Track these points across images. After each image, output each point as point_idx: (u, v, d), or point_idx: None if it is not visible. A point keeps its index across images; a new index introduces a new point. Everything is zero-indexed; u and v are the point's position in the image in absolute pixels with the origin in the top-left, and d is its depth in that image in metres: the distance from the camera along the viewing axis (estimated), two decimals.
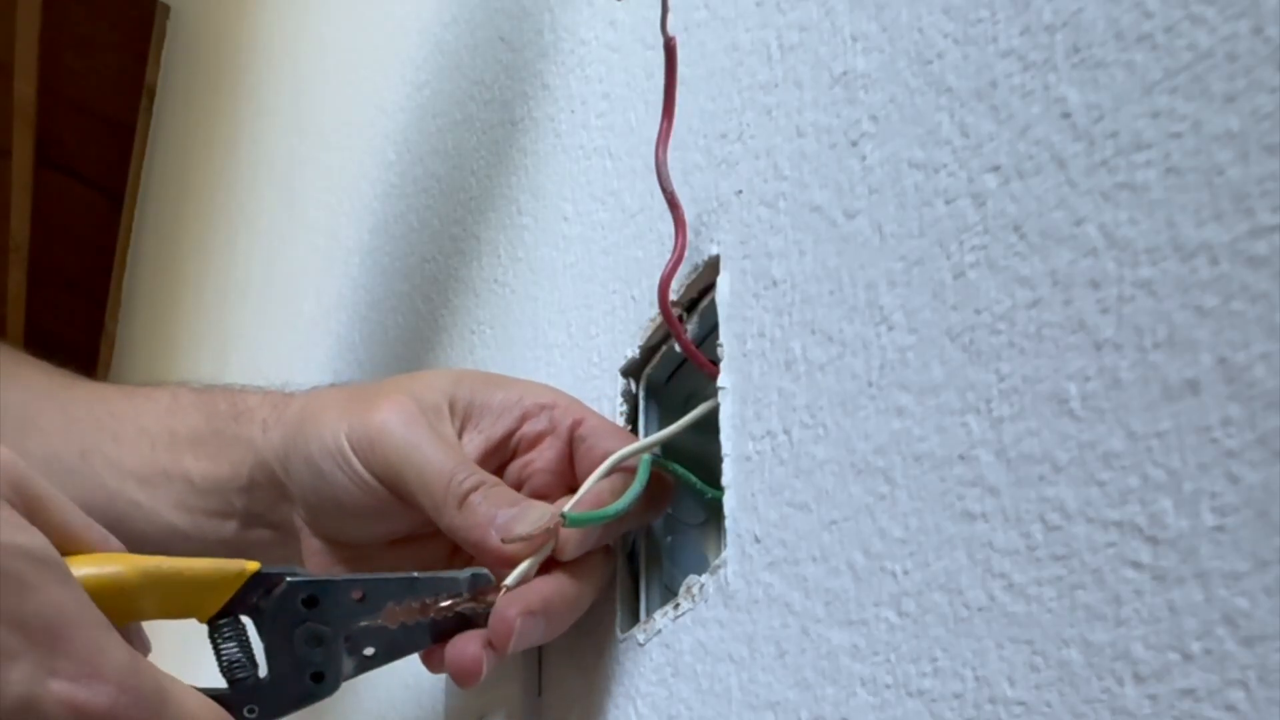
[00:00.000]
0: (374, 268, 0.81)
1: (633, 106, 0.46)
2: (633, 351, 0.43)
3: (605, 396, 0.44)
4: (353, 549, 0.43)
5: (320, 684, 0.37)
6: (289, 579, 0.36)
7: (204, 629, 0.37)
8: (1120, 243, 0.24)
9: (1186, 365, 0.22)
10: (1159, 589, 0.22)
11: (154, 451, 0.45)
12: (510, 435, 0.42)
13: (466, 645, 0.38)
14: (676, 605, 0.37)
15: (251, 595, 0.36)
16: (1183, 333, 0.22)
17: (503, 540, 0.38)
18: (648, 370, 0.43)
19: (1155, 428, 0.22)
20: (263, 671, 0.36)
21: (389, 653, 0.38)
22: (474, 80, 0.66)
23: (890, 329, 0.30)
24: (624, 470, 0.40)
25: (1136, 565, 0.22)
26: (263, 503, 0.44)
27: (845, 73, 0.33)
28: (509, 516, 0.38)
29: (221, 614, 0.36)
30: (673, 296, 0.39)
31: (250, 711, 0.36)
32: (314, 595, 0.36)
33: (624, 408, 0.43)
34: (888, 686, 0.28)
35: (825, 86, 0.34)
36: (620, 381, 0.43)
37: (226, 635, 0.36)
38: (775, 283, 0.35)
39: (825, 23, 0.35)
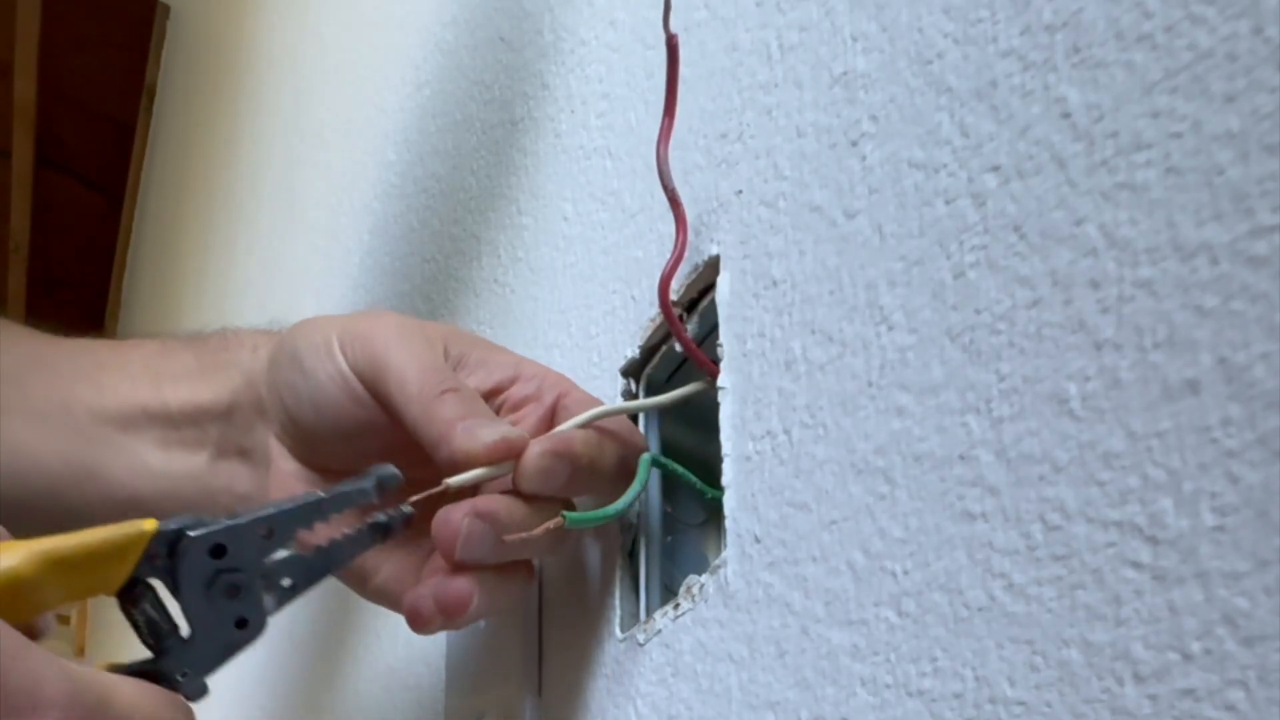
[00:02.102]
0: (374, 268, 0.81)
1: (633, 106, 0.46)
2: (633, 351, 0.43)
3: (605, 396, 0.44)
4: (323, 474, 0.43)
5: (245, 629, 0.36)
6: (190, 533, 0.35)
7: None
8: (1120, 243, 0.24)
9: (1186, 365, 0.22)
10: (1159, 589, 0.22)
11: (135, 391, 0.45)
12: (498, 391, 0.42)
13: (453, 584, 0.37)
14: (676, 605, 0.37)
15: (156, 557, 0.34)
16: (1183, 333, 0.22)
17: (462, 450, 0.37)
18: (648, 370, 0.43)
19: (1155, 428, 0.22)
20: (185, 631, 0.35)
21: (308, 579, 0.37)
22: (474, 80, 0.66)
23: (890, 329, 0.30)
24: (603, 431, 0.39)
25: (1136, 565, 0.22)
26: (239, 429, 0.44)
27: (845, 73, 0.33)
28: (477, 421, 0.38)
29: (130, 583, 0.34)
30: (673, 296, 0.39)
31: (183, 675, 0.35)
32: (219, 544, 0.35)
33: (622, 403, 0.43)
34: (888, 686, 0.28)
35: (825, 86, 0.34)
36: (620, 381, 0.43)
37: (139, 603, 0.34)
38: (775, 283, 0.35)
39: (825, 23, 0.35)
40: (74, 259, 2.49)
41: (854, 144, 0.33)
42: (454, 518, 0.37)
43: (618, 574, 0.41)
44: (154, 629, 0.34)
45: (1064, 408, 0.25)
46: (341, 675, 0.74)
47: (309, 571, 0.37)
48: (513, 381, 0.42)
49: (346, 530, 0.37)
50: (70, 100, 2.22)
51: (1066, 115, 0.26)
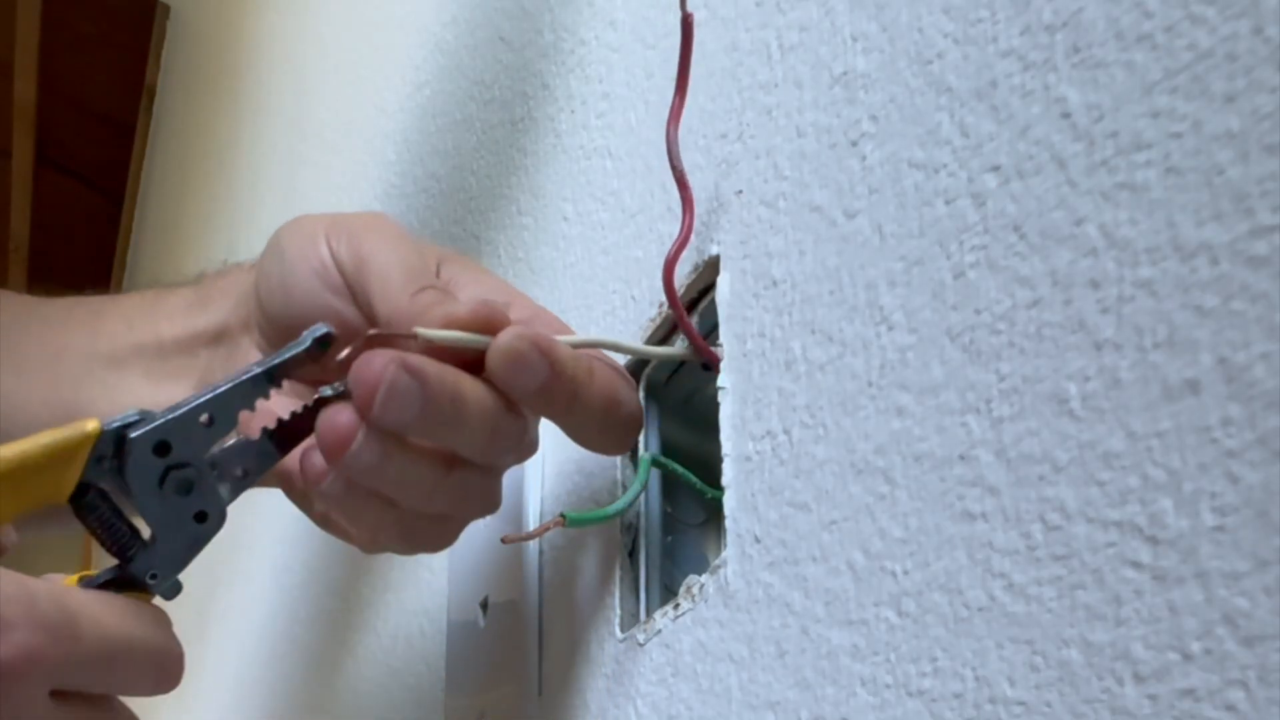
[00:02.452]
0: None
1: (633, 106, 0.46)
2: None
3: None
4: (296, 384, 0.41)
5: (206, 522, 0.34)
6: (131, 434, 0.33)
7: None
8: (1120, 243, 0.24)
9: (1186, 365, 0.22)
10: (1159, 589, 0.22)
11: (131, 330, 0.44)
12: None
13: (339, 413, 0.34)
14: (676, 605, 0.37)
15: (104, 459, 0.33)
16: (1183, 333, 0.22)
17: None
18: (648, 370, 0.43)
19: (1155, 428, 0.22)
20: (146, 533, 0.34)
21: (260, 464, 0.35)
22: (474, 80, 0.66)
23: (890, 329, 0.30)
24: (596, 364, 0.37)
25: (1136, 565, 0.22)
26: (227, 348, 0.43)
27: (845, 73, 0.33)
28: (455, 304, 0.35)
29: (80, 490, 0.33)
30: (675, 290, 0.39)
31: (153, 577, 0.34)
32: (163, 440, 0.34)
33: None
34: (888, 686, 0.28)
35: (825, 86, 0.34)
36: None
37: (95, 511, 0.33)
38: (775, 283, 0.35)
39: (825, 23, 0.35)
40: (74, 259, 2.49)
41: (854, 144, 0.33)
42: (377, 363, 0.33)
43: (618, 574, 0.41)
44: (114, 534, 0.34)
45: (1064, 408, 0.25)
46: (341, 675, 0.74)
47: (260, 456, 0.35)
48: (505, 308, 0.40)
49: (294, 408, 0.35)
50: (70, 100, 2.21)
51: (1066, 115, 0.26)
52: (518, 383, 0.35)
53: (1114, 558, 0.23)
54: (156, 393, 0.43)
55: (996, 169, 0.27)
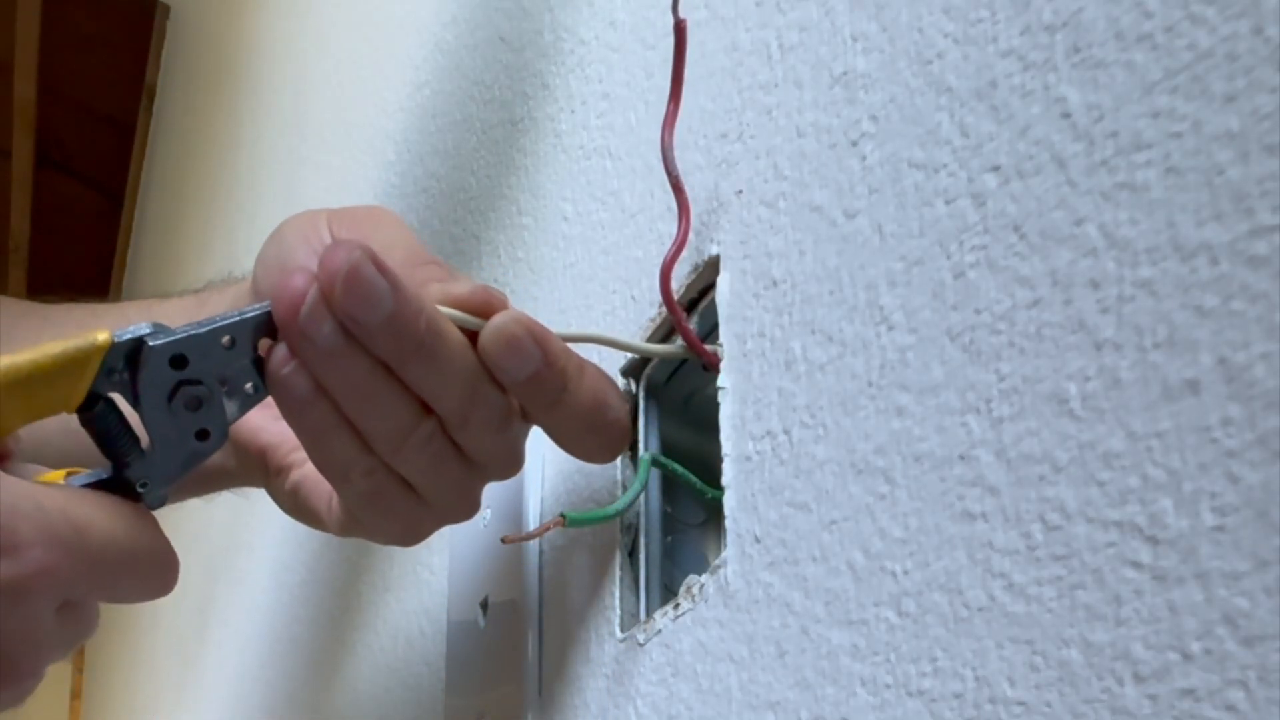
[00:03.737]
0: None
1: (633, 106, 0.46)
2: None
3: None
4: None
5: (206, 441, 0.34)
6: (149, 343, 0.33)
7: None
8: (1120, 243, 0.24)
9: (1186, 365, 0.22)
10: (1159, 589, 0.22)
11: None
12: None
13: (295, 275, 0.33)
14: (676, 605, 0.37)
15: (114, 371, 0.33)
16: (1183, 333, 0.22)
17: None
18: (648, 370, 0.43)
19: (1155, 428, 0.22)
20: (145, 443, 0.34)
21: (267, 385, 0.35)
22: (474, 80, 0.66)
23: (890, 329, 0.30)
24: (587, 364, 0.37)
25: (1136, 565, 0.22)
26: None
27: (845, 73, 0.33)
28: (455, 282, 0.36)
29: (89, 399, 0.33)
30: (673, 294, 0.39)
31: (143, 485, 0.33)
32: (180, 354, 0.33)
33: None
34: (888, 686, 0.28)
35: (825, 86, 0.34)
36: (620, 381, 0.43)
37: (101, 419, 0.33)
38: (775, 283, 0.35)
39: (825, 23, 0.35)
40: (74, 259, 2.49)
41: (854, 144, 0.33)
42: (340, 250, 0.32)
43: (618, 574, 0.41)
44: (114, 442, 0.33)
45: (1064, 408, 0.25)
46: (341, 675, 0.74)
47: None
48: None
49: None
50: (70, 100, 2.22)
51: (1066, 115, 0.26)
52: (509, 365, 0.35)
53: (1114, 558, 0.23)
54: None
55: (996, 169, 0.27)
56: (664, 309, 0.41)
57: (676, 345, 0.39)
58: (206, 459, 0.34)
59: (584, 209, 0.49)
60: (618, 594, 0.41)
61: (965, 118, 0.29)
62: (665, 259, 0.38)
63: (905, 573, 0.28)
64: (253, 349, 0.34)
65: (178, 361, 0.33)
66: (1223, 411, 0.21)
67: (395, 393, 0.35)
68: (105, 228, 2.43)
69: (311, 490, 0.40)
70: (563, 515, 0.37)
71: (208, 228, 1.60)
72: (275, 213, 1.18)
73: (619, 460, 0.43)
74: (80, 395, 0.32)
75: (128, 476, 0.33)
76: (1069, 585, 0.24)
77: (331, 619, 0.78)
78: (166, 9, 2.15)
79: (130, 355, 0.33)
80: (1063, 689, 0.24)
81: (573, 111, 0.52)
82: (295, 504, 0.41)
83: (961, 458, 0.27)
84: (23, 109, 2.15)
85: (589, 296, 0.47)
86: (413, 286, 0.34)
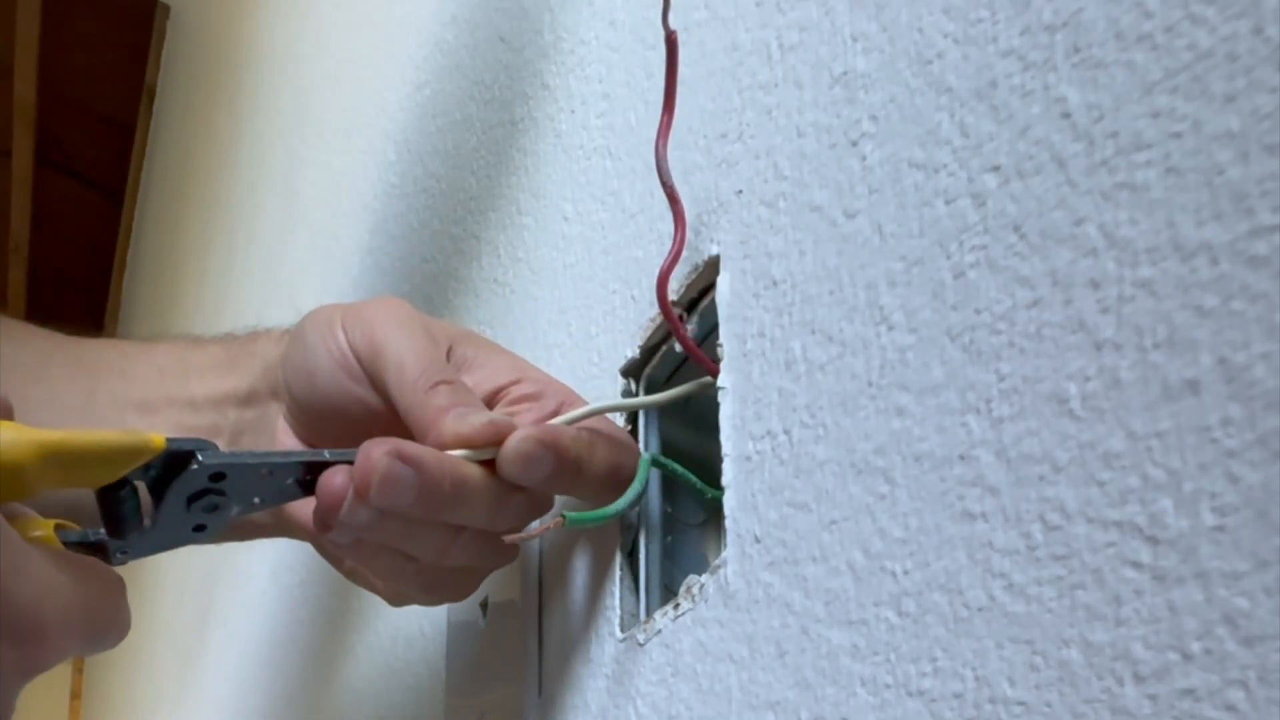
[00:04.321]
0: (374, 268, 0.81)
1: (633, 106, 0.46)
2: (633, 351, 0.43)
3: (605, 396, 0.44)
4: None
5: (201, 533, 0.36)
6: (200, 458, 0.35)
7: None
8: (1120, 243, 0.24)
9: (1186, 365, 0.22)
10: (1159, 589, 0.22)
11: (163, 381, 0.45)
12: (499, 391, 0.42)
13: (335, 475, 0.36)
14: (676, 605, 0.37)
15: (151, 466, 0.34)
16: (1183, 333, 0.22)
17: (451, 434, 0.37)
18: (648, 370, 0.43)
19: (1155, 428, 0.22)
20: (147, 523, 0.35)
21: (277, 498, 0.37)
22: (474, 80, 0.66)
23: (890, 329, 0.30)
24: (596, 433, 0.39)
25: (1136, 565, 0.22)
26: (254, 410, 0.45)
27: (845, 73, 0.33)
28: (469, 409, 0.38)
29: (117, 484, 0.34)
30: (672, 296, 0.39)
31: (122, 553, 0.35)
32: (222, 471, 0.35)
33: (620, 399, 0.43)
34: (888, 686, 0.28)
35: (825, 86, 0.34)
36: (620, 382, 0.44)
37: (121, 503, 0.34)
38: (775, 283, 0.35)
39: (825, 23, 0.35)
40: (74, 259, 2.49)
41: (854, 144, 0.33)
42: (374, 453, 0.35)
43: (618, 574, 0.41)
44: (124, 523, 0.34)
45: (1064, 408, 0.25)
46: (341, 675, 0.74)
47: (280, 492, 0.37)
48: (514, 384, 0.42)
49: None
50: (70, 100, 2.22)
51: (1066, 115, 0.26)
52: (528, 479, 0.38)
53: (1114, 558, 0.23)
54: None
55: (996, 169, 0.27)
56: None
57: (687, 385, 0.40)
58: (189, 545, 0.36)
59: (584, 209, 0.49)
60: (618, 594, 0.41)
61: (965, 118, 0.29)
62: (661, 268, 0.38)
63: (905, 573, 0.28)
64: (285, 479, 0.36)
65: (216, 477, 0.35)
66: (1223, 411, 0.21)
67: (430, 528, 0.38)
68: (105, 228, 2.43)
69: (366, 576, 0.43)
70: (563, 515, 0.37)
71: (208, 228, 1.60)
72: (275, 212, 1.18)
73: None
74: (112, 480, 0.33)
75: (111, 544, 0.34)
76: (1069, 585, 0.24)
77: (331, 619, 0.78)
78: (166, 9, 2.15)
79: (173, 460, 0.35)
80: (1063, 689, 0.24)
81: (573, 111, 0.52)
82: (353, 579, 0.44)
83: (961, 458, 0.27)
84: (23, 109, 2.15)
85: (589, 296, 0.47)
86: (428, 424, 0.38)
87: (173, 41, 2.17)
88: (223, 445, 0.44)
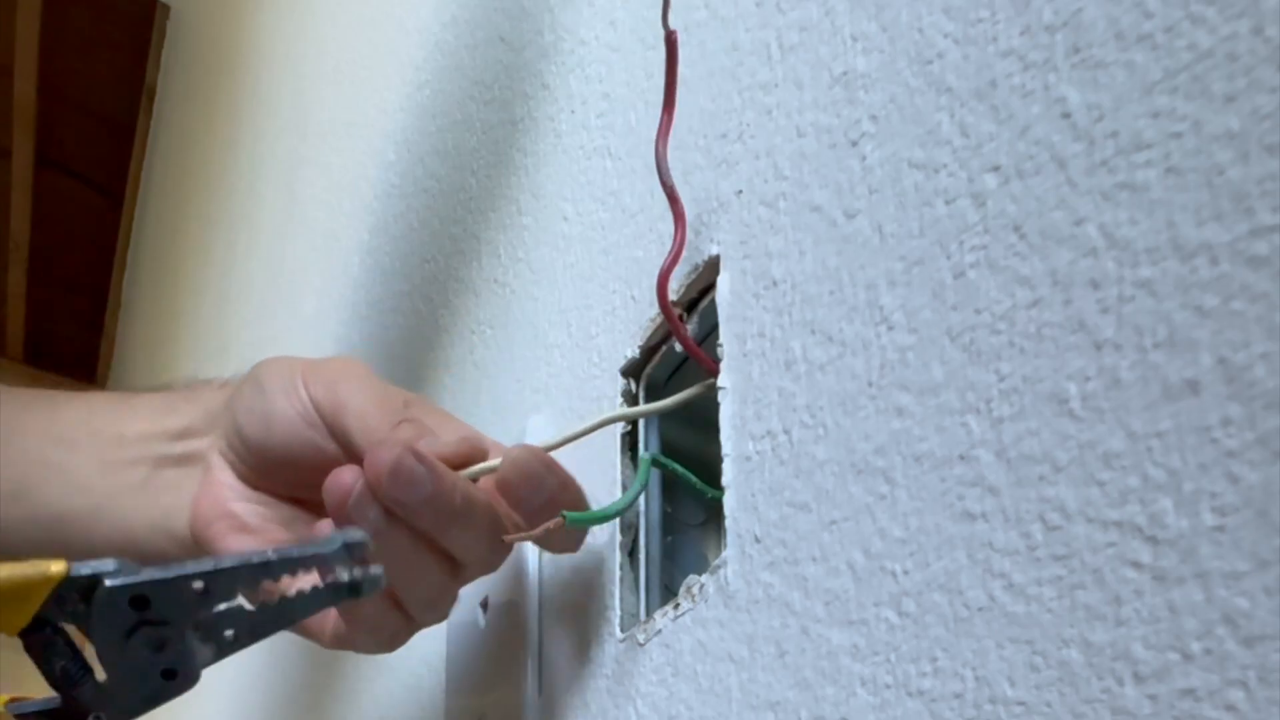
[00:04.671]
0: (374, 268, 0.81)
1: (633, 106, 0.46)
2: (633, 351, 0.43)
3: (605, 396, 0.44)
4: (256, 490, 0.43)
5: (174, 680, 0.32)
6: (107, 582, 0.31)
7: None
8: (1120, 243, 0.24)
9: (1186, 365, 0.22)
10: (1159, 589, 0.22)
11: (90, 418, 0.45)
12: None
13: (343, 472, 0.36)
14: (676, 605, 0.37)
15: (67, 601, 0.31)
16: (1183, 333, 0.22)
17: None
18: (648, 370, 0.43)
19: (1155, 428, 0.22)
20: (100, 676, 0.32)
21: (253, 634, 0.33)
22: (474, 80, 0.66)
23: (890, 329, 0.30)
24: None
25: (1136, 565, 0.22)
26: (186, 444, 0.44)
27: (845, 73, 0.33)
28: (436, 438, 0.38)
29: (36, 624, 0.31)
30: (673, 296, 0.39)
31: (97, 718, 0.32)
32: (141, 595, 0.31)
33: (624, 408, 0.43)
34: (888, 686, 0.28)
35: (825, 86, 0.34)
36: (620, 381, 0.43)
37: (47, 648, 0.31)
38: (775, 283, 0.35)
39: (825, 23, 0.35)
40: (74, 259, 2.49)
41: (854, 144, 0.33)
42: (382, 451, 0.36)
43: (618, 574, 0.41)
44: (64, 675, 0.32)
45: (1064, 408, 0.25)
46: (342, 675, 0.74)
47: (254, 627, 0.33)
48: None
49: (303, 587, 0.33)
50: (70, 100, 2.22)
51: (1066, 115, 0.26)
52: (530, 495, 0.38)
53: (1114, 558, 0.23)
54: (108, 477, 0.44)
55: (996, 169, 0.27)
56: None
57: (682, 395, 0.40)
58: (174, 698, 0.33)
59: (584, 209, 0.49)
60: (618, 594, 0.41)
61: (965, 118, 0.29)
62: (662, 269, 0.38)
63: (905, 573, 0.28)
64: (233, 595, 0.33)
65: (138, 602, 0.32)
66: (1223, 411, 0.21)
67: (433, 558, 0.38)
68: (105, 228, 2.43)
69: (351, 635, 0.42)
70: (563, 515, 0.37)
71: (208, 228, 1.60)
72: (275, 212, 1.18)
73: (619, 460, 0.43)
74: (25, 620, 0.31)
75: (79, 705, 0.32)
76: (1069, 585, 0.24)
77: None
78: (166, 9, 2.15)
79: (85, 588, 0.31)
80: (1063, 689, 0.24)
81: (573, 111, 0.52)
82: (338, 647, 0.43)
83: (961, 458, 0.27)
84: (23, 109, 2.15)
85: (589, 296, 0.47)
86: (398, 447, 0.37)
87: (173, 41, 2.17)
88: (143, 474, 0.43)
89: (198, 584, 0.32)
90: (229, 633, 0.33)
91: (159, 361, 1.92)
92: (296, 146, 1.12)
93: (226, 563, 0.32)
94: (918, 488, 0.28)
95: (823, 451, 0.32)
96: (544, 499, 0.38)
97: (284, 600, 0.33)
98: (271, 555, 0.32)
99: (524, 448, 0.38)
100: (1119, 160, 0.24)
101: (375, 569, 0.33)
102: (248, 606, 0.33)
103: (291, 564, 0.33)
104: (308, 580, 0.33)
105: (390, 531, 0.37)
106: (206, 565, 0.32)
